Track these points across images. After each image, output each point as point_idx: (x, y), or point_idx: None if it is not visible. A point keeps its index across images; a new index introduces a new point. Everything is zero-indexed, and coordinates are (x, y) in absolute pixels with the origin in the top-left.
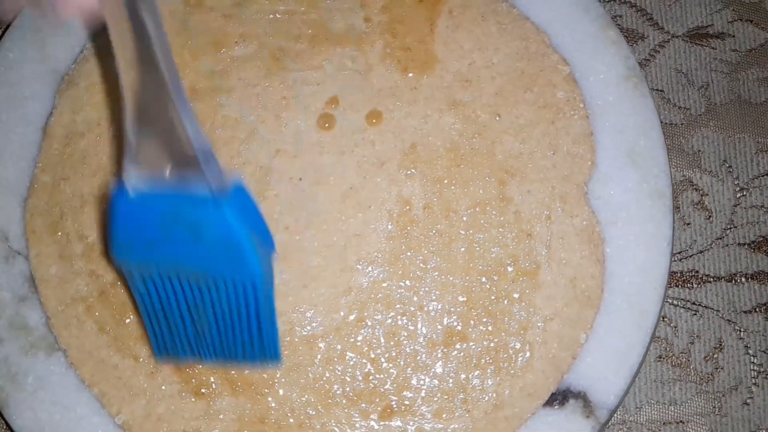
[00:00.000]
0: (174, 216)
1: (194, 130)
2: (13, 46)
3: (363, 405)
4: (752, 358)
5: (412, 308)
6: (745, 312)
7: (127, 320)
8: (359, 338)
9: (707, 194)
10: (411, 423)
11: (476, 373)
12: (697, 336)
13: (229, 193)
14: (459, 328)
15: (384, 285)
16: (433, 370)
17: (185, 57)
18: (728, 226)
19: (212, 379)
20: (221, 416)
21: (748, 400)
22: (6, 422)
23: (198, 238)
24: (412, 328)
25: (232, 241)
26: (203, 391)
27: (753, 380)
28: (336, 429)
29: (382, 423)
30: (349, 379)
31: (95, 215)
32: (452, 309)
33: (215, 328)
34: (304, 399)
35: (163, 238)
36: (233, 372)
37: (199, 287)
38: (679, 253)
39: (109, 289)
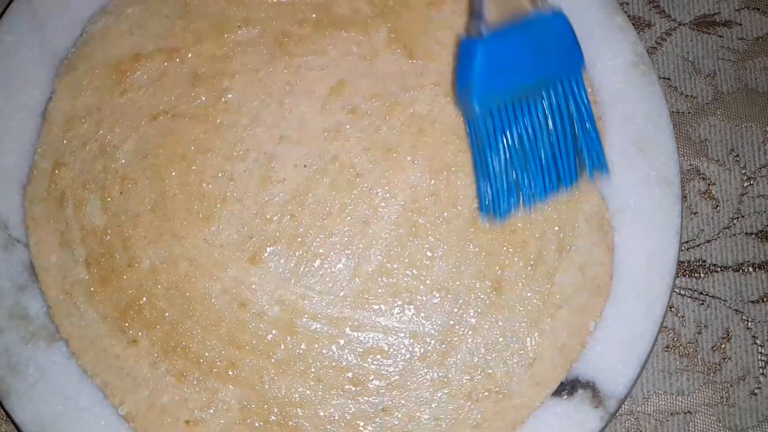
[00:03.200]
0: (519, 41)
1: None
2: (11, 29)
3: (369, 395)
4: (760, 348)
5: (419, 297)
6: (752, 302)
7: (130, 310)
8: (365, 328)
9: (714, 183)
10: (421, 411)
11: (485, 363)
12: (705, 326)
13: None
14: (466, 317)
15: (390, 273)
16: (441, 359)
17: (187, 40)
18: (735, 216)
19: (214, 370)
20: (224, 406)
21: (755, 390)
22: (7, 414)
23: (539, 52)
24: (419, 318)
25: (568, 39)
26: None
27: (761, 370)
28: (339, 418)
29: (385, 414)
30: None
31: (96, 202)
32: (459, 298)
33: (548, 148)
34: (308, 388)
35: (510, 66)
36: (235, 362)
37: (537, 107)
38: (686, 242)
39: (111, 277)
